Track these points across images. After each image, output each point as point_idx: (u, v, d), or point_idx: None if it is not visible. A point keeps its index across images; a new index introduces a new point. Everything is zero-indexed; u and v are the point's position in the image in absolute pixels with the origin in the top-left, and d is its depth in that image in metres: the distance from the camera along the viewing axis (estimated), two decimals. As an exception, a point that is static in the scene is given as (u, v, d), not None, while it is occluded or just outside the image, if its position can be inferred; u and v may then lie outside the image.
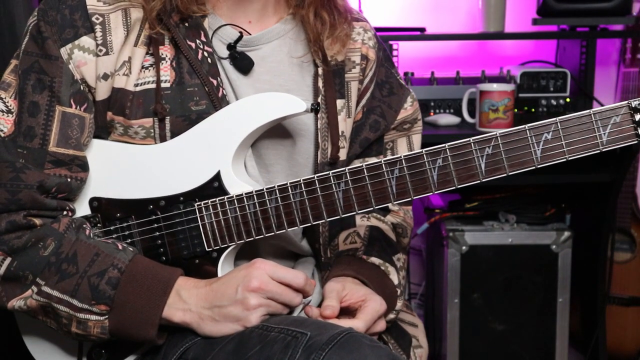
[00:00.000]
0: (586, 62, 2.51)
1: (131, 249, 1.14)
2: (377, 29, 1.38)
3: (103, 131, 1.20)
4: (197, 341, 1.12)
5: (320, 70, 1.26)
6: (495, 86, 2.29)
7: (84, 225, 1.16)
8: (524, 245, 2.34)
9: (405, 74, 2.55)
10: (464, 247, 2.33)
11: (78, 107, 1.15)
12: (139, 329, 1.10)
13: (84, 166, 1.17)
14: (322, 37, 1.25)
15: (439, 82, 2.53)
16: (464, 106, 2.38)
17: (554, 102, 2.51)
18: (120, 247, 1.14)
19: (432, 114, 2.50)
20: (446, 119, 2.40)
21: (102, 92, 1.16)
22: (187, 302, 1.11)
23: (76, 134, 1.15)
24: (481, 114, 2.26)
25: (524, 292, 2.35)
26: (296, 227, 1.13)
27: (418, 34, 2.47)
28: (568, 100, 2.51)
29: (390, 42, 2.45)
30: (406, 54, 2.63)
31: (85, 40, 1.14)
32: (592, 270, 2.47)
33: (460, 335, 2.37)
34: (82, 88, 1.16)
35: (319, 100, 1.25)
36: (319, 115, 1.25)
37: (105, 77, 1.15)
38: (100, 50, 1.15)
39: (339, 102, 1.28)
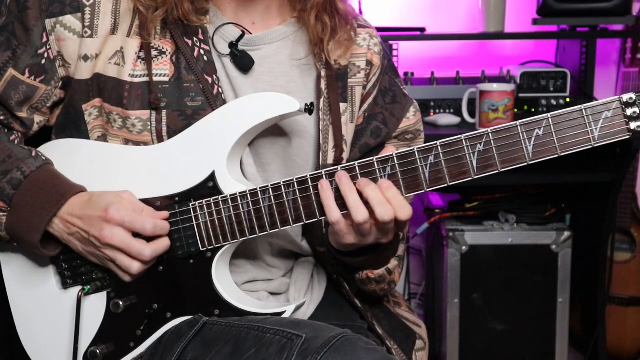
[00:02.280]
0: (586, 62, 2.51)
1: (44, 159, 1.18)
2: (377, 29, 1.38)
3: (80, 117, 1.21)
4: (192, 341, 1.12)
5: (323, 73, 1.26)
6: (495, 86, 2.29)
7: (12, 133, 1.22)
8: (524, 245, 2.33)
9: (405, 74, 2.55)
10: (464, 247, 2.32)
11: (32, 78, 1.20)
12: (27, 232, 1.13)
13: (24, 125, 1.23)
14: (324, 40, 1.25)
15: (439, 82, 2.53)
16: (464, 106, 2.38)
17: (554, 102, 2.50)
18: (34, 154, 1.17)
19: (432, 114, 2.49)
20: (446, 119, 2.40)
21: (83, 72, 1.20)
22: (73, 221, 1.13)
23: (18, 98, 1.20)
24: (481, 114, 2.26)
25: (524, 292, 2.35)
26: (289, 226, 1.13)
27: (418, 34, 2.47)
28: (568, 100, 2.50)
29: (390, 42, 2.45)
30: (406, 54, 2.62)
31: (69, 19, 1.18)
32: (592, 270, 2.46)
33: (460, 335, 2.37)
34: (43, 62, 1.19)
35: (322, 102, 1.25)
36: (320, 117, 1.25)
37: (86, 58, 1.19)
38: (86, 32, 1.18)
39: (342, 106, 1.28)
